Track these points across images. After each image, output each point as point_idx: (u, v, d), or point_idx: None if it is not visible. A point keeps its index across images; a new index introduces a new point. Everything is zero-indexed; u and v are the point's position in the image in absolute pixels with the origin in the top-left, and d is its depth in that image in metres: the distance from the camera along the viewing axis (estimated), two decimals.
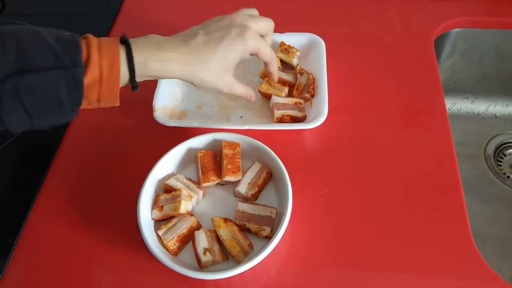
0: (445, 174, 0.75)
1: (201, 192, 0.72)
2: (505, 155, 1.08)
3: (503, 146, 1.10)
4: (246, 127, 0.78)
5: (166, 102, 0.84)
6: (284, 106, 0.80)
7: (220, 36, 0.67)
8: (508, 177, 1.04)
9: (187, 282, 0.65)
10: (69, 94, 0.56)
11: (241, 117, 0.84)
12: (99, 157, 0.81)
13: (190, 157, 0.75)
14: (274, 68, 0.78)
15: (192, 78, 0.67)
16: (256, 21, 0.72)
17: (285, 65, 0.90)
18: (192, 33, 0.67)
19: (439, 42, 1.00)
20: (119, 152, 0.82)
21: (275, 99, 0.81)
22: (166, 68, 0.64)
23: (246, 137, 0.74)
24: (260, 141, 0.73)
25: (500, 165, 1.07)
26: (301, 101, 0.82)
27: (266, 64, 0.77)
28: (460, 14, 1.00)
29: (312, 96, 0.83)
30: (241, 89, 0.74)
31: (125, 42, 0.61)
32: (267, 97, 0.84)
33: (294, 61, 0.89)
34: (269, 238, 0.65)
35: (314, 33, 0.91)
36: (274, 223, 0.67)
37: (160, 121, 0.79)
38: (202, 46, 0.66)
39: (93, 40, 0.58)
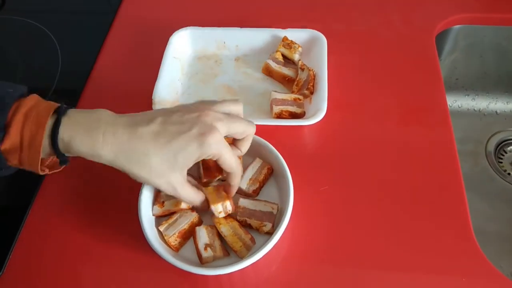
0: (446, 171, 0.75)
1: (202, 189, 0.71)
2: (506, 152, 1.09)
3: (504, 143, 1.10)
4: None
5: (166, 96, 0.84)
6: (283, 102, 0.80)
7: (176, 132, 0.57)
8: (509, 174, 1.05)
9: (188, 278, 0.65)
10: None
11: None
12: None
13: None
14: (235, 181, 0.65)
15: (125, 170, 0.57)
16: (231, 122, 0.60)
17: (287, 60, 0.90)
18: (148, 118, 0.58)
19: (440, 38, 1.00)
20: None
21: (274, 94, 0.82)
22: (93, 152, 0.55)
23: None
24: (259, 136, 0.73)
25: (501, 162, 1.07)
26: (300, 97, 0.82)
27: (226, 174, 0.65)
28: (462, 10, 1.00)
29: (312, 93, 0.83)
30: (190, 195, 0.63)
31: (59, 113, 0.55)
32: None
33: (296, 57, 0.89)
34: (270, 234, 0.65)
35: (316, 29, 0.91)
36: (275, 219, 0.67)
37: None
38: (149, 137, 0.56)
39: (27, 103, 0.54)
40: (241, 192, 0.71)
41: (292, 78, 0.86)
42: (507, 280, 0.64)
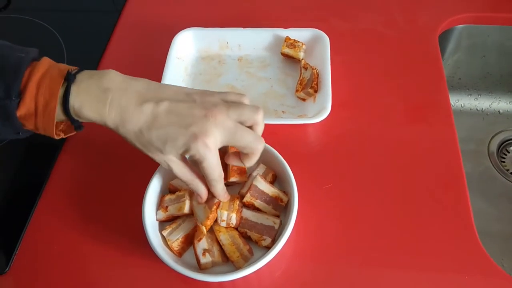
0: (449, 170, 0.75)
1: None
2: (508, 152, 1.09)
3: (506, 143, 1.10)
4: None
5: None
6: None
7: (174, 123, 0.57)
8: (511, 173, 1.05)
9: (191, 284, 0.65)
10: (3, 122, 0.55)
11: None
12: (104, 155, 0.82)
13: None
14: (212, 189, 0.63)
15: (126, 138, 0.60)
16: (237, 134, 0.58)
17: (292, 60, 0.91)
18: (157, 97, 0.58)
19: (443, 38, 1.00)
20: (124, 151, 0.81)
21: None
22: (101, 119, 0.58)
23: None
24: (263, 135, 0.73)
25: (504, 162, 1.07)
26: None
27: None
28: (465, 10, 0.99)
29: (316, 91, 0.83)
30: (183, 173, 0.61)
31: (69, 80, 0.56)
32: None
33: (301, 55, 0.89)
34: (269, 248, 0.63)
35: (318, 28, 0.91)
36: (276, 234, 0.66)
37: None
38: (150, 115, 0.57)
39: (40, 69, 0.56)
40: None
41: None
42: (510, 278, 0.64)
